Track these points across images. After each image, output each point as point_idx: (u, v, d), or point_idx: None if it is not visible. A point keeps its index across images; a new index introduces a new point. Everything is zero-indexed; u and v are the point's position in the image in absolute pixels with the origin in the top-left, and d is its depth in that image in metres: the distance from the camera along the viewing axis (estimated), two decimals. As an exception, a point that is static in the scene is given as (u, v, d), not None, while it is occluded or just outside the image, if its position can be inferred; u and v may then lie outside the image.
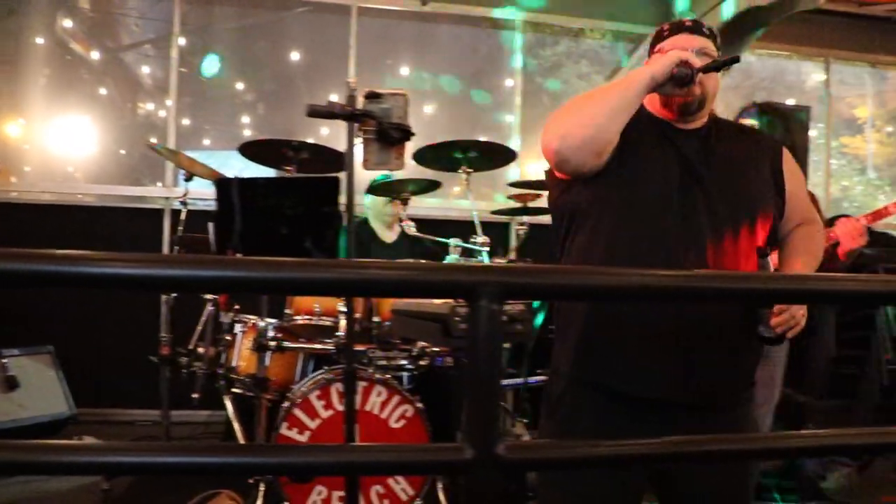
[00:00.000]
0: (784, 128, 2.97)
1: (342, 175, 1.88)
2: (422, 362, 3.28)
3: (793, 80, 6.98)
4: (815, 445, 1.15)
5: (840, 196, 7.55)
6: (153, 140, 5.45)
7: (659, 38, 1.84)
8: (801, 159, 4.87)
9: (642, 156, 1.71)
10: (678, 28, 1.80)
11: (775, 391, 3.08)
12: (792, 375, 4.89)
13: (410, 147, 3.46)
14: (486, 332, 0.90)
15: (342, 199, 1.79)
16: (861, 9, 5.91)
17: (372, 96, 1.69)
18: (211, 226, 1.82)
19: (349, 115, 1.66)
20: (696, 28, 1.78)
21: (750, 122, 3.03)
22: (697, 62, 1.65)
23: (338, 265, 1.14)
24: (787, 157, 1.85)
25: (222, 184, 1.74)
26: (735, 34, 5.28)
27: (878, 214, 2.69)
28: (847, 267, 2.74)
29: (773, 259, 2.14)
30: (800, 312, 1.63)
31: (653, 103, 1.82)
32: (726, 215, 1.67)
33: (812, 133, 6.82)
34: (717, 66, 1.64)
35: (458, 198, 5.46)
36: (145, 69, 6.05)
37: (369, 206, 4.16)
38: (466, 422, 0.93)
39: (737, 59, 1.68)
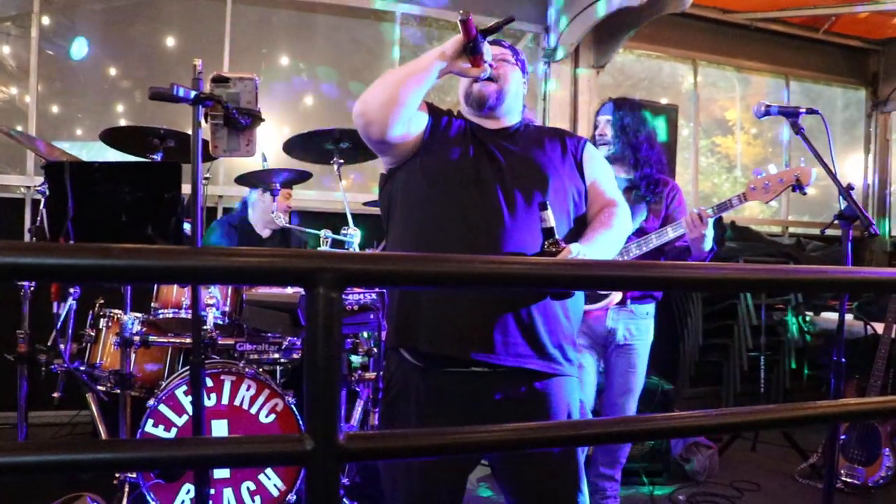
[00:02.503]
0: (638, 121, 3.08)
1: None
2: (294, 355, 3.24)
3: (668, 80, 7.27)
4: (676, 427, 1.19)
5: (710, 192, 7.92)
6: (19, 128, 5.12)
7: None
8: (671, 154, 5.10)
9: (447, 145, 1.95)
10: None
11: (634, 379, 3.17)
12: (661, 364, 5.14)
13: (285, 137, 3.43)
14: (325, 321, 0.88)
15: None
16: (724, 16, 6.24)
17: (219, 80, 1.64)
18: (43, 213, 1.73)
19: (193, 99, 1.60)
20: (494, 41, 2.03)
21: (605, 116, 3.13)
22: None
23: (167, 252, 1.10)
24: (590, 152, 2.09)
25: (53, 168, 1.65)
26: (607, 34, 5.47)
27: (722, 207, 2.84)
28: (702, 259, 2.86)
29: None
30: None
31: (464, 108, 2.07)
32: (520, 195, 1.88)
33: (684, 132, 7.17)
34: (497, 27, 1.79)
35: (347, 190, 5.42)
36: (6, 49, 5.65)
37: (254, 201, 4.05)
38: (307, 413, 0.92)
39: (511, 19, 1.84)
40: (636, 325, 3.10)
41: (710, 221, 2.76)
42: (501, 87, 2.01)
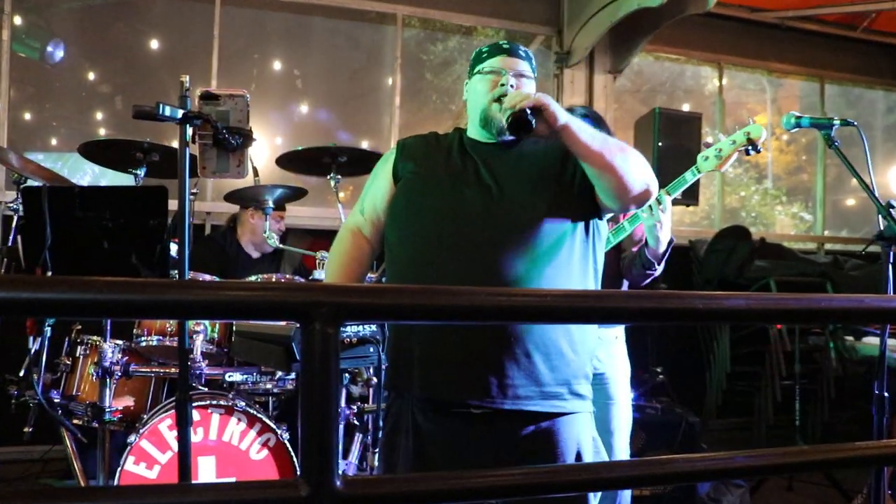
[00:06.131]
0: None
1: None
2: (288, 386, 3.25)
3: (691, 84, 7.29)
4: (701, 470, 1.20)
5: (738, 206, 7.90)
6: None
7: (478, 59, 2.08)
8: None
9: (434, 170, 2.00)
10: (497, 50, 2.06)
11: (615, 412, 3.01)
12: (686, 394, 5.13)
13: (281, 149, 3.46)
14: (321, 357, 0.90)
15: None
16: (752, 14, 6.26)
17: (207, 97, 1.67)
18: (18, 238, 1.76)
19: (180, 118, 1.63)
20: (512, 50, 2.05)
21: None
22: None
23: (152, 285, 1.12)
24: None
25: (30, 193, 1.67)
26: (625, 36, 5.50)
27: (678, 184, 2.77)
28: (650, 263, 2.78)
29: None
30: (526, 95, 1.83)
31: (473, 124, 2.07)
32: (516, 215, 1.89)
33: (708, 139, 7.15)
34: None
35: (346, 205, 5.44)
36: (-27, 53, 5.69)
37: (243, 220, 4.10)
38: (301, 455, 0.93)
39: None
40: (605, 351, 3.00)
41: (669, 205, 2.71)
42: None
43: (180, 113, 1.64)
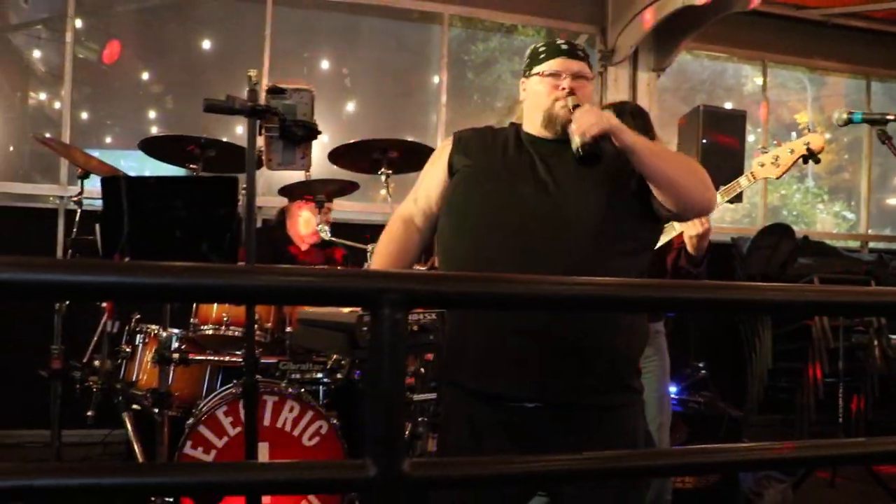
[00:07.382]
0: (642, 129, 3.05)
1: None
2: (338, 375, 3.29)
3: (732, 82, 7.22)
4: (749, 459, 1.21)
5: (779, 204, 7.80)
6: (47, 135, 5.28)
7: (535, 59, 2.04)
8: (738, 164, 5.08)
9: (490, 164, 1.99)
10: (556, 51, 2.02)
11: (655, 405, 2.96)
12: (727, 389, 5.08)
13: (328, 146, 3.51)
14: (390, 342, 0.92)
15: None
16: (797, 12, 6.17)
17: (275, 91, 1.71)
18: (97, 228, 1.82)
19: (250, 111, 1.68)
20: (571, 52, 2.02)
21: None
22: None
23: (227, 271, 1.16)
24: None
25: (109, 183, 1.73)
26: (668, 34, 5.47)
27: (730, 190, 2.77)
28: (700, 260, 2.76)
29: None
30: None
31: (532, 123, 2.03)
32: (571, 212, 1.88)
33: (750, 138, 7.08)
34: None
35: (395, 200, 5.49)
36: (37, 54, 5.84)
37: (292, 212, 4.15)
38: (369, 438, 0.94)
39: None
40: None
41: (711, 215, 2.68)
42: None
43: (250, 106, 1.69)
